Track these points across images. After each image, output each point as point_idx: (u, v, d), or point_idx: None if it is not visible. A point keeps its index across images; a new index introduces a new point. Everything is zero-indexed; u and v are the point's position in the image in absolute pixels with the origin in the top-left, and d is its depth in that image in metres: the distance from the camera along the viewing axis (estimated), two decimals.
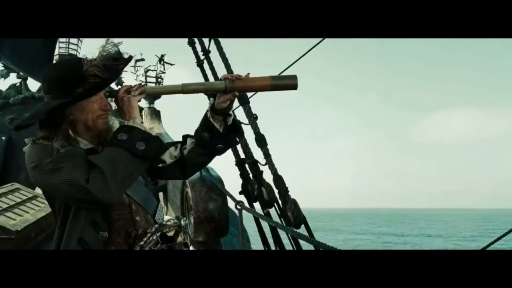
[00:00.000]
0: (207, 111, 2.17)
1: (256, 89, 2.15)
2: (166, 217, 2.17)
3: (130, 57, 1.99)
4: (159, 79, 12.24)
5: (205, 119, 2.18)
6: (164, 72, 12.21)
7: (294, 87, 2.08)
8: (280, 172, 3.72)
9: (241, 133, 2.35)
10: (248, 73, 2.09)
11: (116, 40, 1.95)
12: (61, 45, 12.43)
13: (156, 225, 1.99)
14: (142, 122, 2.00)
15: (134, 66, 12.00)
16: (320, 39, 3.22)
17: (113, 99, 2.05)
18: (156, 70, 12.18)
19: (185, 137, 2.28)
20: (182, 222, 2.02)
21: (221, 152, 2.24)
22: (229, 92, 2.06)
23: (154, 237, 1.94)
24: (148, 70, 12.21)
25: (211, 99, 2.17)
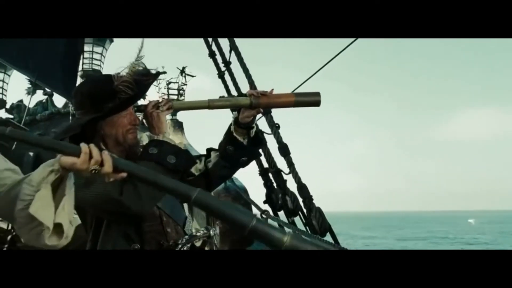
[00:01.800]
0: (231, 124, 2.22)
1: (280, 106, 2.17)
2: (193, 229, 2.21)
3: (158, 73, 2.06)
4: (181, 91, 12.37)
5: (228, 132, 2.22)
6: (186, 84, 12.36)
7: (317, 103, 2.12)
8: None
9: (264, 145, 2.40)
10: (272, 89, 2.13)
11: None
12: (85, 61, 12.70)
13: (186, 236, 2.03)
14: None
15: (156, 79, 12.14)
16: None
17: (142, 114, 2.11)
18: (178, 82, 12.34)
19: (209, 150, 2.32)
20: (211, 233, 2.05)
21: (244, 164, 2.29)
22: (254, 108, 2.12)
23: (185, 248, 1.97)
24: (170, 83, 12.36)
25: (235, 112, 2.22)
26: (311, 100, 2.13)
